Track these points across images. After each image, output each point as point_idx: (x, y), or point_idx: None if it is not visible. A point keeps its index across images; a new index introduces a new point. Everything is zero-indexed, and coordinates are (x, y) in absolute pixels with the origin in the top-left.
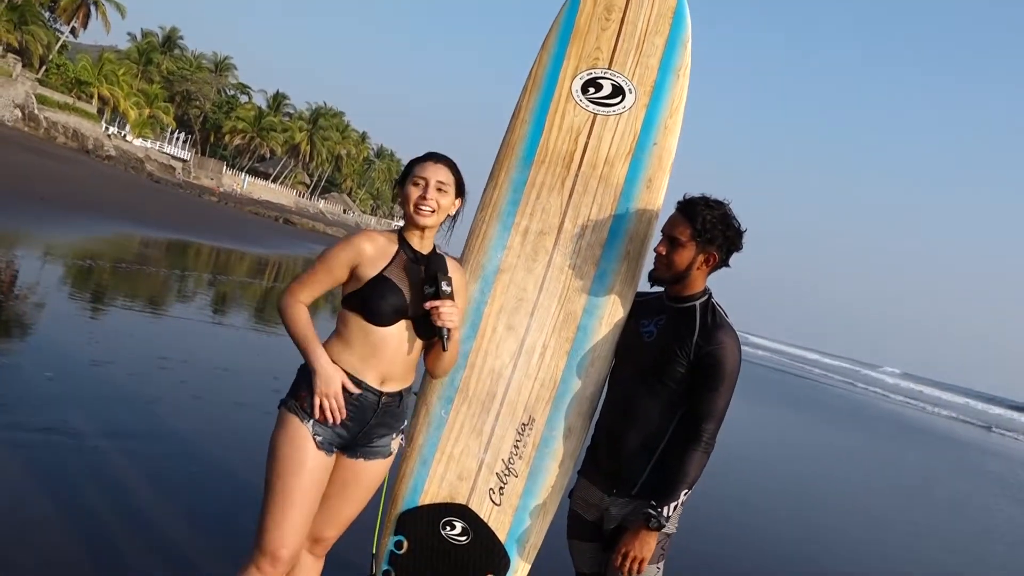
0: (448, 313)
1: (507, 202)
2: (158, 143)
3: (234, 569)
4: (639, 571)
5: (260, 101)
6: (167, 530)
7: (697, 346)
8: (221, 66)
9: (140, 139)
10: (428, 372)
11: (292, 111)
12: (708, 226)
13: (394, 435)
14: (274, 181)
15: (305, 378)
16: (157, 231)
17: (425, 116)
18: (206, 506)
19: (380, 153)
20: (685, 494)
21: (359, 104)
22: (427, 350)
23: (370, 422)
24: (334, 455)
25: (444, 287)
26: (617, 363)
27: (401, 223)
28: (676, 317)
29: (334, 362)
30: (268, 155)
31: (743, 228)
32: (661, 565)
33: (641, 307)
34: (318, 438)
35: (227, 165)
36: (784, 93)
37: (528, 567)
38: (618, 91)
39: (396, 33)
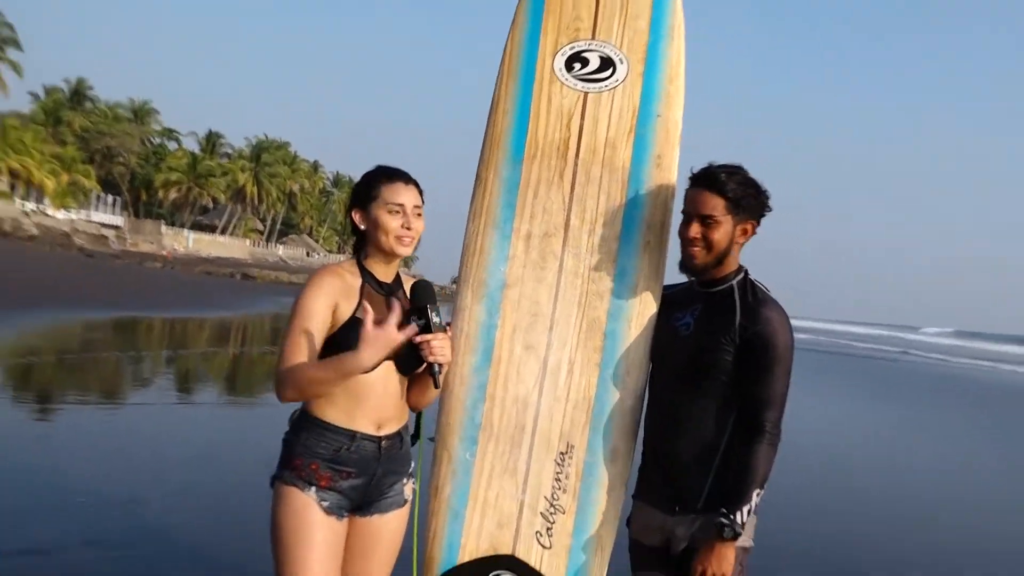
0: (440, 347)
1: (501, 206)
2: (84, 212)
3: None
4: None
5: (192, 145)
6: None
7: (742, 328)
8: (141, 112)
9: (63, 211)
10: (412, 407)
11: (230, 150)
12: (740, 194)
13: (404, 480)
14: (223, 233)
15: (297, 445)
16: (100, 311)
17: (382, 131)
18: None
19: (337, 182)
20: (757, 495)
21: (306, 130)
22: (410, 384)
23: (376, 473)
24: (346, 519)
25: (434, 318)
26: (655, 367)
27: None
28: (713, 302)
29: (319, 418)
30: (211, 205)
31: (766, 190)
32: None
33: (671, 300)
34: (324, 503)
35: (166, 223)
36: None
37: None
38: (607, 63)
39: (336, 47)
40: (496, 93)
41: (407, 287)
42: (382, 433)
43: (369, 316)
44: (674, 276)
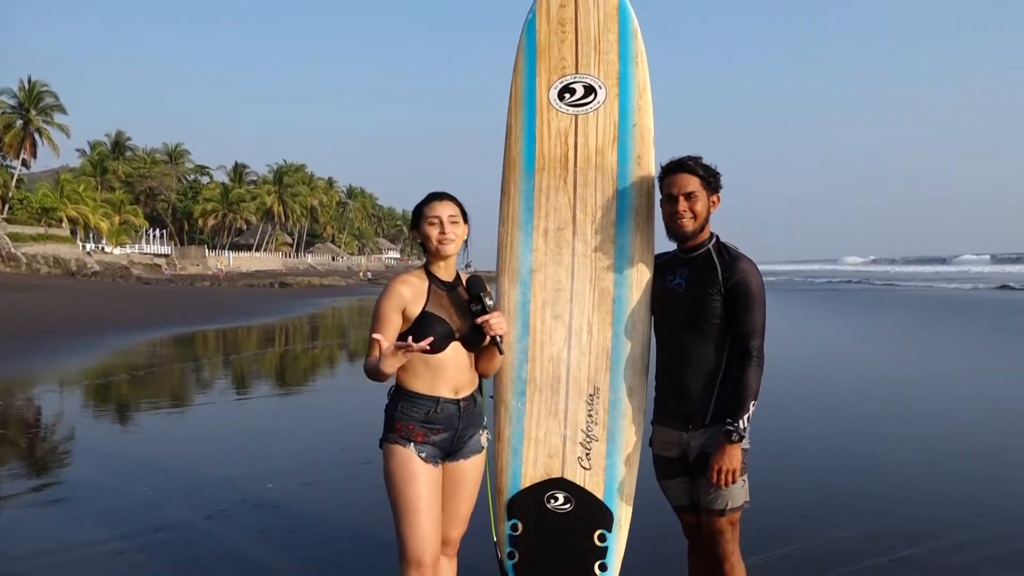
0: (498, 323)
1: (523, 210)
2: (136, 246)
3: None
4: (733, 481)
5: (221, 177)
6: None
7: (724, 280)
8: (175, 155)
9: (119, 247)
10: (481, 374)
11: (256, 178)
12: (708, 173)
13: (480, 431)
14: (257, 250)
15: (396, 412)
16: (166, 330)
17: (385, 147)
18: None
19: (351, 193)
20: (752, 404)
21: (317, 152)
22: (480, 356)
23: (459, 427)
24: (440, 466)
25: (488, 302)
26: (658, 319)
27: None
28: (697, 264)
29: (410, 390)
30: (244, 226)
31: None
32: (745, 478)
33: (662, 266)
34: (422, 455)
35: (208, 248)
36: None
37: (630, 512)
38: (590, 90)
39: (339, 73)
40: (508, 123)
41: (464, 282)
42: (459, 396)
43: (382, 340)
44: (661, 246)
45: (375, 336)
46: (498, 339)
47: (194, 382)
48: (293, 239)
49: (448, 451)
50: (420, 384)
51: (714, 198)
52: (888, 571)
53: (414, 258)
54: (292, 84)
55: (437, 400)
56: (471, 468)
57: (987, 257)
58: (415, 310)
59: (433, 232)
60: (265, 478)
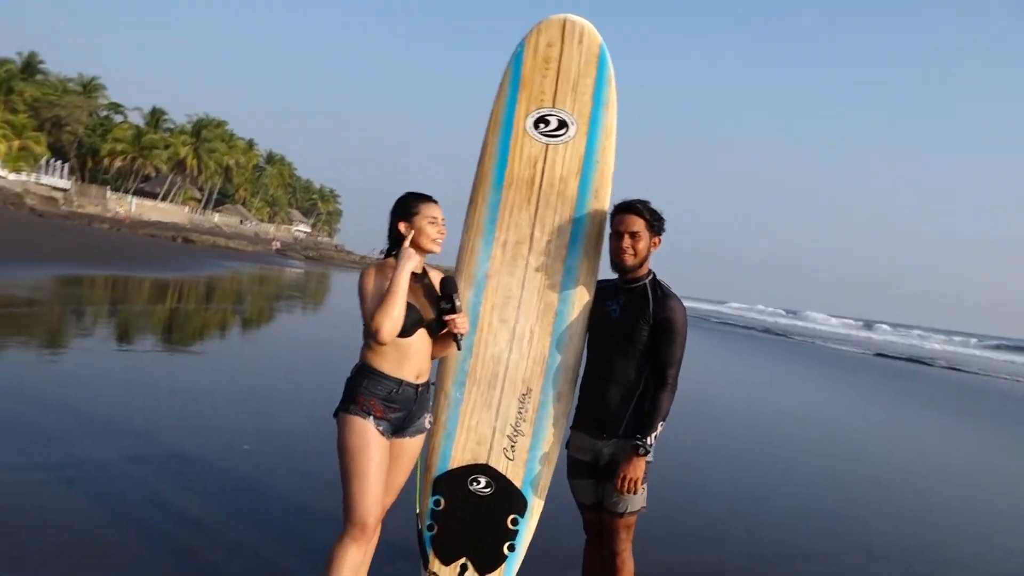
0: (463, 322)
1: (487, 221)
2: (34, 175)
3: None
4: (635, 490)
5: (136, 119)
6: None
7: (654, 313)
8: (90, 87)
9: (14, 173)
10: (435, 358)
11: (172, 126)
12: (652, 217)
13: (426, 414)
14: (163, 200)
15: (359, 387)
16: (82, 268)
17: (312, 118)
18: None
19: (270, 159)
20: (661, 425)
21: (242, 111)
22: (435, 343)
23: (412, 409)
24: (389, 439)
25: (457, 303)
26: (592, 337)
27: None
28: (633, 295)
29: (376, 369)
30: (153, 174)
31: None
32: (646, 486)
33: (603, 291)
34: (379, 428)
35: (111, 189)
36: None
37: (541, 504)
38: (563, 124)
39: (275, 35)
40: (485, 140)
41: (432, 277)
42: (419, 381)
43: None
44: (604, 273)
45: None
46: (458, 336)
47: (76, 326)
48: (203, 195)
49: (398, 428)
50: (387, 365)
51: (656, 240)
52: None
53: (323, 235)
54: (231, 35)
55: (400, 382)
56: (413, 446)
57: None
58: None
59: (432, 231)
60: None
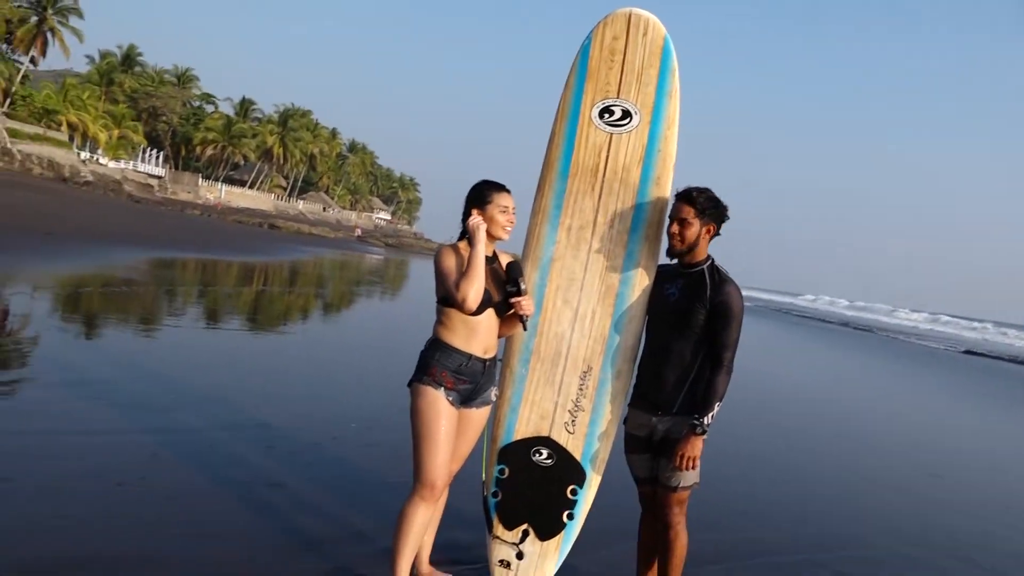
0: (528, 304)
1: (553, 207)
2: (131, 163)
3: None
4: (692, 467)
5: (227, 109)
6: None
7: (711, 298)
8: (184, 78)
9: (114, 161)
10: (503, 337)
11: (261, 115)
12: (706, 206)
13: (493, 387)
14: (250, 187)
15: (432, 359)
16: (175, 251)
17: (394, 109)
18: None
19: (352, 148)
20: (717, 406)
21: (326, 101)
22: (503, 323)
23: (480, 382)
24: (457, 409)
25: (523, 286)
26: (651, 319)
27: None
28: (691, 279)
29: (448, 344)
30: (242, 162)
31: (726, 204)
32: (699, 462)
33: (663, 275)
34: (449, 398)
35: (202, 177)
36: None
37: (599, 476)
38: (627, 114)
39: (373, 30)
40: (553, 129)
41: (501, 260)
42: (486, 356)
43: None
44: (665, 258)
45: (473, 221)
46: (524, 317)
47: (169, 306)
48: (288, 183)
49: (466, 399)
50: (458, 340)
51: (709, 227)
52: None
53: (403, 222)
54: (320, 32)
55: (469, 356)
56: (479, 417)
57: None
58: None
59: (503, 219)
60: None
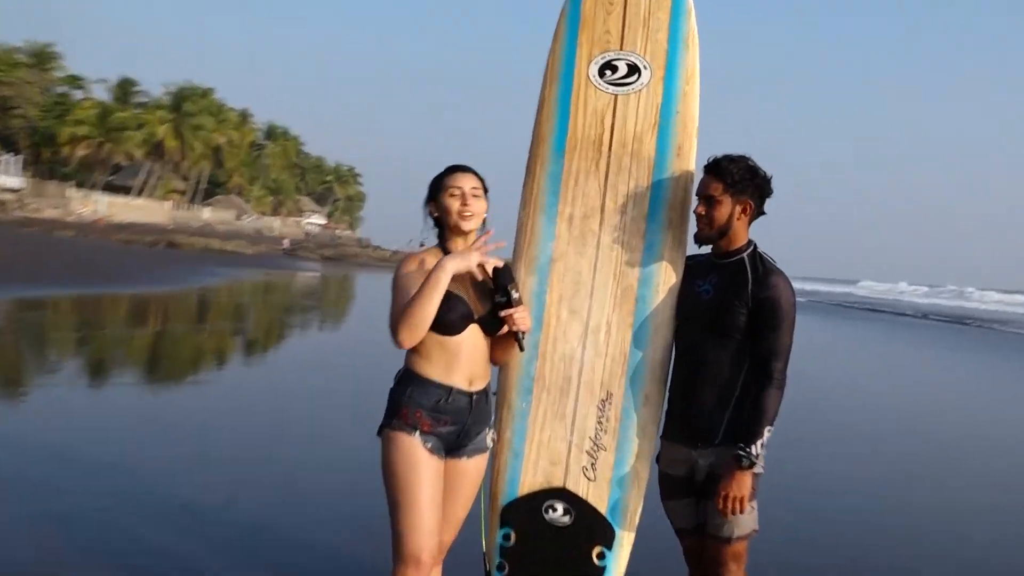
0: (522, 318)
1: (547, 193)
2: None
3: None
4: (741, 510)
5: (101, 94)
6: None
7: (753, 293)
8: (42, 56)
9: None
10: (497, 364)
11: (147, 99)
12: (737, 178)
13: (487, 429)
14: (139, 195)
15: (403, 397)
16: (41, 288)
17: (322, 80)
18: None
19: (271, 134)
20: (768, 431)
21: (233, 76)
22: (494, 346)
23: (467, 422)
24: (443, 460)
25: (514, 295)
26: (680, 325)
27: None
28: (728, 271)
29: (422, 375)
30: (125, 162)
31: (769, 175)
32: (755, 503)
33: (693, 269)
34: (427, 445)
35: (74, 185)
36: None
37: (632, 534)
38: (633, 69)
39: None
40: (541, 95)
41: (488, 267)
42: (472, 389)
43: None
44: (694, 248)
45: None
46: (520, 334)
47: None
48: (188, 186)
49: (452, 446)
50: (434, 370)
51: (745, 205)
52: None
53: (343, 227)
54: None
55: (450, 389)
56: (473, 468)
57: None
58: None
59: (454, 204)
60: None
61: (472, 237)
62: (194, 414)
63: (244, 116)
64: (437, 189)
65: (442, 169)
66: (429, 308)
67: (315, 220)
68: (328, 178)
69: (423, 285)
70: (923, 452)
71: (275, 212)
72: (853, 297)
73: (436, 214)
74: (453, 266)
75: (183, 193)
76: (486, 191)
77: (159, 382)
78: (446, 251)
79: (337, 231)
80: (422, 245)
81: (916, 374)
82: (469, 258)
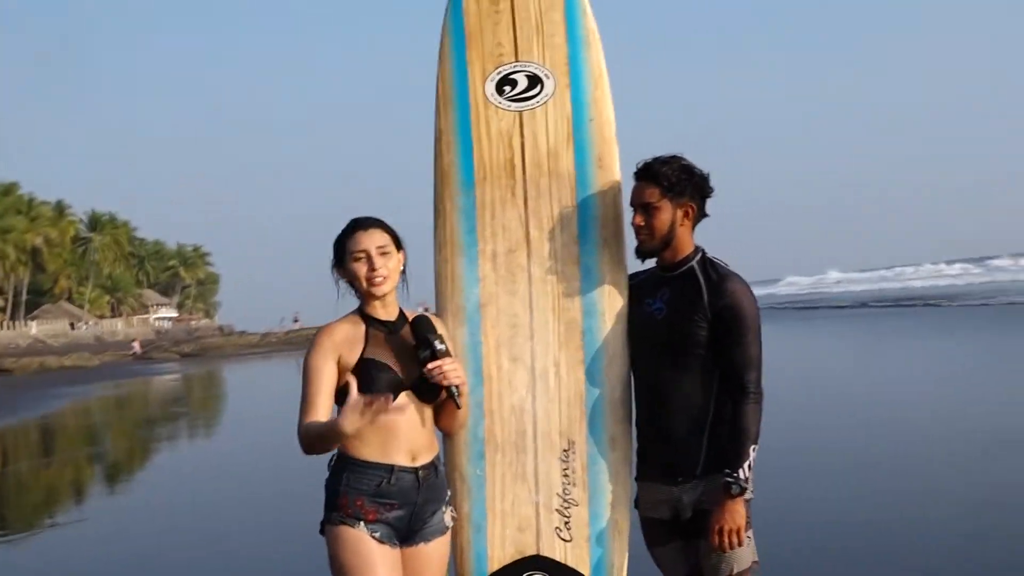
0: (452, 370)
1: (463, 232)
2: None
3: None
4: (739, 543)
5: None
6: None
7: (710, 303)
8: None
9: None
10: (445, 433)
11: None
12: (674, 180)
13: (443, 508)
14: None
15: (340, 485)
16: None
17: (149, 150)
18: None
19: (95, 223)
20: (753, 450)
21: (40, 164)
22: (437, 412)
23: (417, 502)
24: (397, 548)
25: (438, 346)
26: (637, 351)
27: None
28: (679, 284)
29: (357, 458)
30: None
31: (706, 172)
32: (751, 533)
33: (640, 288)
34: (376, 535)
35: None
36: None
37: None
38: (535, 81)
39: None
40: (437, 125)
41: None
42: (417, 464)
43: (354, 386)
44: (637, 265)
45: (332, 406)
46: (454, 390)
47: None
48: (7, 300)
49: (405, 532)
50: (369, 450)
51: (687, 208)
52: None
53: (198, 317)
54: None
55: (391, 469)
56: (433, 553)
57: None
58: (351, 358)
59: (361, 270)
60: None
61: (391, 300)
62: (60, 565)
63: (60, 208)
64: (341, 253)
65: (344, 226)
66: (327, 448)
67: (165, 314)
68: (172, 263)
69: (327, 426)
70: (923, 454)
71: (116, 313)
72: (777, 297)
73: (346, 279)
74: (352, 428)
75: (2, 310)
76: (398, 243)
77: (5, 538)
78: (365, 315)
79: (193, 322)
80: (295, 320)
81: (890, 375)
82: (368, 414)
